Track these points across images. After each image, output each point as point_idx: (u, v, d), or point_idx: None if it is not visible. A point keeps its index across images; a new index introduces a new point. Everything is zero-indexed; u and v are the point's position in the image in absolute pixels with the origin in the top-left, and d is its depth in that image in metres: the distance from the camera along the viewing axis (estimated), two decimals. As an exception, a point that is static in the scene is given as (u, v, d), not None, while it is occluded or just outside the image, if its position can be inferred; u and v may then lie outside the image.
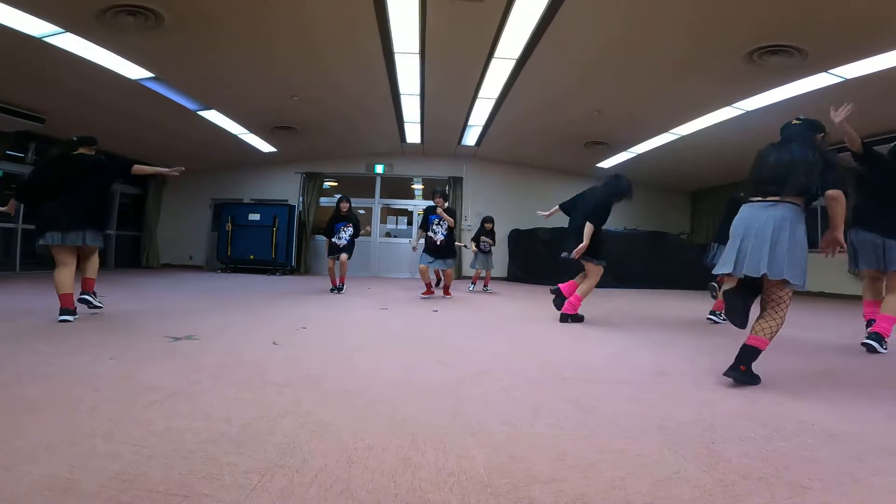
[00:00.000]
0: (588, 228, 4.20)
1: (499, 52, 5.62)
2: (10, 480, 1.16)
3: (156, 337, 3.05)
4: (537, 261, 9.83)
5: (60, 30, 4.98)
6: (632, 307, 5.95)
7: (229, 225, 10.35)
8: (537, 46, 5.41)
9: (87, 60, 5.62)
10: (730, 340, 2.49)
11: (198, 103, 7.51)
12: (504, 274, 11.01)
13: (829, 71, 5.35)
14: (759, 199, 2.44)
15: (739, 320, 2.42)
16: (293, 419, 1.66)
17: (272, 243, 10.30)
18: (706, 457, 1.44)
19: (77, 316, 3.54)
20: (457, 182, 11.25)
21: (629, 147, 9.29)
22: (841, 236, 2.48)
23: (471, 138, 9.60)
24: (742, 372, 2.30)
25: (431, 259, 6.23)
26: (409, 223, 11.74)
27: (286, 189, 11.37)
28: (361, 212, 11.10)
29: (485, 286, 7.78)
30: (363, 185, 11.54)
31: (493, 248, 7.71)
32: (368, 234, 11.33)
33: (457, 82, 6.71)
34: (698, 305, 6.08)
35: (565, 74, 6.23)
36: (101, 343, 2.82)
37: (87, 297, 3.79)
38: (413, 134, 9.42)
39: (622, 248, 9.14)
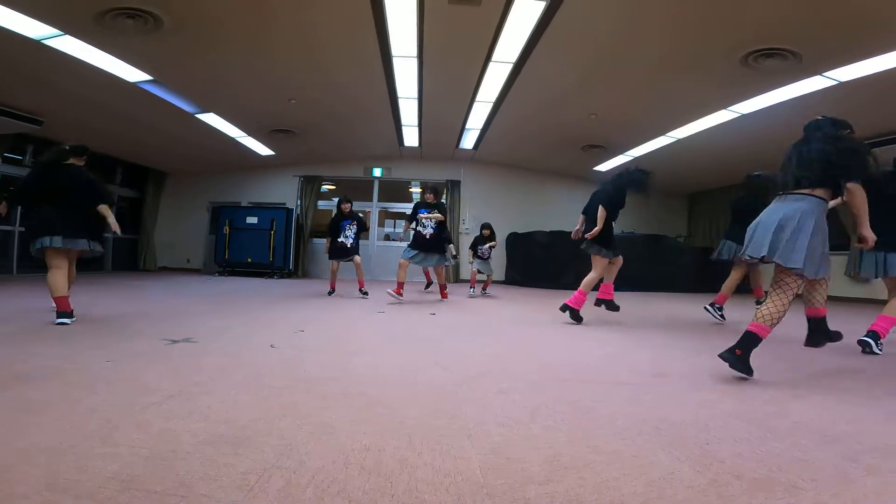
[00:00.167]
0: (601, 212, 4.22)
1: (496, 55, 5.64)
2: (9, 481, 1.16)
3: (154, 340, 3.05)
4: (535, 264, 9.83)
5: (59, 32, 4.98)
6: (630, 309, 5.95)
7: (227, 228, 10.33)
8: (534, 50, 5.44)
9: (85, 63, 5.62)
10: (728, 342, 2.50)
11: (196, 106, 7.51)
12: (502, 277, 10.97)
13: (824, 74, 5.39)
14: (785, 192, 2.51)
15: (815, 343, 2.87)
16: (291, 421, 1.67)
17: (270, 246, 10.28)
18: (700, 457, 1.45)
19: (74, 318, 3.54)
20: (455, 185, 11.24)
21: (626, 150, 9.31)
22: (867, 230, 2.56)
23: (468, 142, 9.62)
24: (737, 356, 2.35)
25: (416, 253, 5.91)
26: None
27: (284, 192, 11.38)
28: (360, 215, 11.07)
29: (483, 290, 7.79)
30: (361, 189, 11.54)
31: (493, 249, 7.69)
32: (366, 237, 11.34)
33: (454, 85, 6.73)
34: (695, 308, 6.09)
35: (562, 78, 6.26)
36: (99, 346, 2.82)
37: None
38: (411, 137, 9.43)
39: (620, 252, 9.13)
